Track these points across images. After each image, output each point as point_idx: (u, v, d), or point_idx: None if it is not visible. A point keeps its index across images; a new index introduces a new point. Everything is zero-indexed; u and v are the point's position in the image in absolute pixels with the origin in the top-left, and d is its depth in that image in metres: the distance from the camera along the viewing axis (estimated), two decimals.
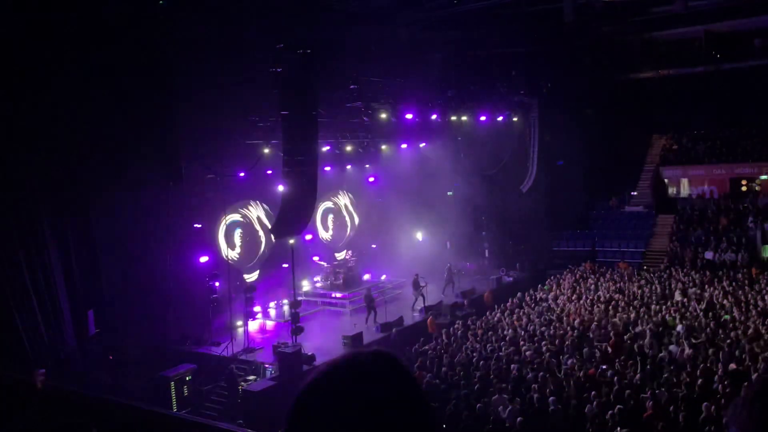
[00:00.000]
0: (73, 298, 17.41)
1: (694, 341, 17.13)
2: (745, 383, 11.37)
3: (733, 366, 14.74)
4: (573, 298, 23.38)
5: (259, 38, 18.37)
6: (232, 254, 23.29)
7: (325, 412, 1.16)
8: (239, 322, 21.32)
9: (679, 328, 18.32)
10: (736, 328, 18.04)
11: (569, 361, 16.32)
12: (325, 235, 28.87)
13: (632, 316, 20.18)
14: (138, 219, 19.27)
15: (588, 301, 22.62)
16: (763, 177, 33.12)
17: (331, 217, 29.36)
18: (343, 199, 30.01)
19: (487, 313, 22.96)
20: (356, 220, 30.44)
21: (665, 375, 14.89)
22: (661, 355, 16.52)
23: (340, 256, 28.41)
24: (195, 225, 21.40)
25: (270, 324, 23.15)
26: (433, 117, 26.64)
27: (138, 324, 19.08)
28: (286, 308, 22.82)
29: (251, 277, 24.09)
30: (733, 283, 23.49)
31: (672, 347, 16.92)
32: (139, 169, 18.31)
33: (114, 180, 18.36)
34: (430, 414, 1.23)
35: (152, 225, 19.66)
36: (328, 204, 29.00)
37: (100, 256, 18.62)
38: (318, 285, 26.90)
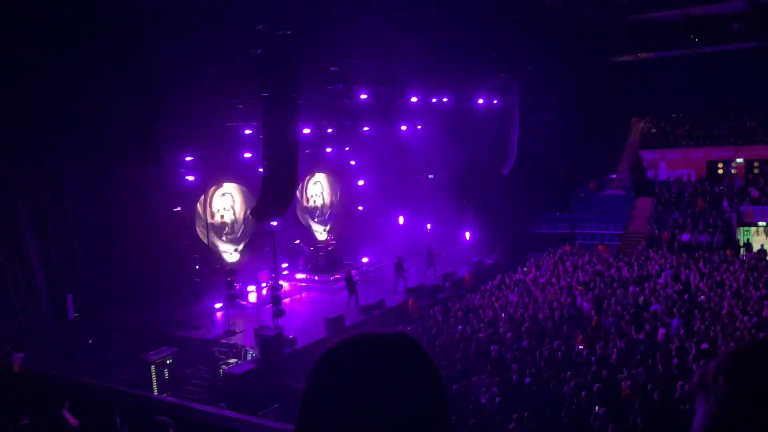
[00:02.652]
0: (51, 281, 17.23)
1: (669, 321, 17.42)
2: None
3: (706, 345, 15.04)
4: (552, 280, 23.61)
5: (240, 19, 18.14)
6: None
7: (339, 394, 1.14)
8: (220, 305, 21.27)
9: (656, 307, 18.60)
10: (711, 308, 18.38)
11: (547, 342, 16.52)
12: (306, 218, 28.82)
13: (610, 297, 20.44)
14: (116, 201, 19.07)
15: (566, 282, 22.87)
16: (739, 160, 33.59)
17: (312, 198, 29.29)
18: (324, 182, 29.93)
19: (468, 295, 23.14)
20: (337, 202, 30.39)
21: (641, 355, 15.13)
22: (637, 335, 16.79)
23: (319, 231, 28.44)
24: (174, 208, 21.23)
25: (251, 307, 23.11)
26: (414, 99, 26.57)
27: (118, 307, 18.97)
28: (266, 291, 22.79)
29: (231, 255, 24.03)
30: (708, 265, 23.86)
31: (648, 327, 17.19)
32: (117, 150, 18.08)
33: (92, 161, 18.13)
34: (445, 398, 1.22)
35: (131, 207, 19.47)
36: (309, 185, 28.92)
37: (76, 239, 18.41)
38: (299, 268, 26.89)
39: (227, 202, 24.29)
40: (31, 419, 4.49)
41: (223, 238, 24.03)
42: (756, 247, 27.63)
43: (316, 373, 1.18)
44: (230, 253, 24.16)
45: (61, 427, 4.45)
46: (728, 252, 26.16)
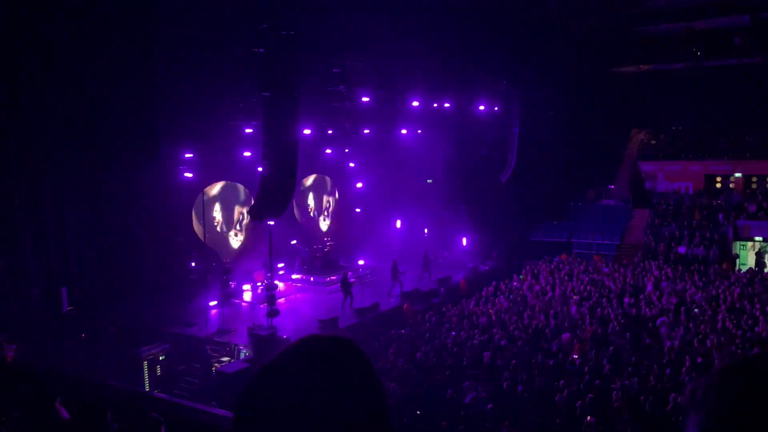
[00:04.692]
0: (45, 274, 17.20)
1: (664, 333, 17.43)
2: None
3: (700, 359, 15.05)
4: (547, 288, 23.61)
5: (243, 18, 18.15)
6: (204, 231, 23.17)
7: (277, 395, 1.13)
8: (214, 303, 21.24)
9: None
10: (705, 321, 18.39)
11: (541, 350, 16.52)
12: (303, 218, 28.82)
13: (605, 307, 20.45)
14: (113, 196, 19.03)
15: (561, 291, 22.87)
16: (737, 174, 33.64)
17: (310, 200, 29.30)
18: (323, 183, 29.95)
19: (463, 300, 23.12)
20: (335, 204, 30.42)
21: (635, 366, 15.13)
22: (630, 345, 16.79)
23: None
24: (171, 204, 21.18)
25: (245, 306, 23.10)
26: (415, 104, 26.59)
27: (112, 302, 18.91)
28: (261, 290, 22.79)
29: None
30: (704, 278, 23.90)
31: (647, 339, 17.21)
32: (116, 145, 18.06)
33: (90, 156, 18.10)
34: (384, 401, 1.20)
35: (128, 203, 19.43)
36: (308, 187, 28.93)
37: (72, 232, 18.36)
38: (295, 268, 26.87)
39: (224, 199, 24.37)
40: (23, 411, 4.49)
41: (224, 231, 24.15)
42: (748, 262, 27.75)
43: (256, 379, 1.17)
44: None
45: (53, 421, 4.44)
46: (725, 266, 26.21)
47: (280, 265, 26.07)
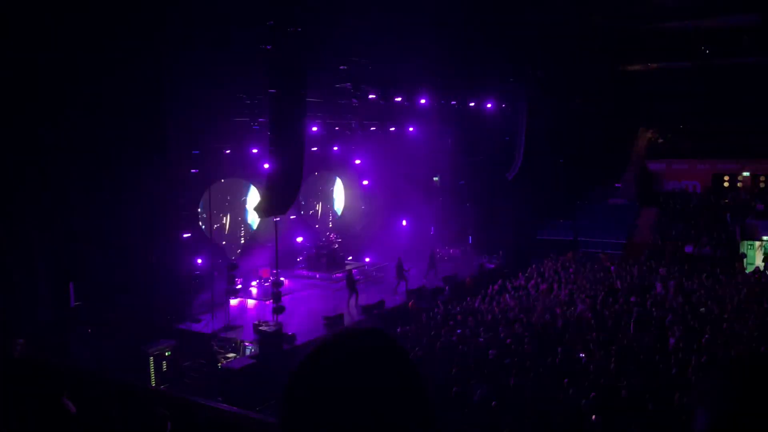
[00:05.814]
0: (53, 269, 17.26)
1: (670, 332, 17.39)
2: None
3: (705, 358, 15.01)
4: (553, 286, 23.58)
5: (250, 14, 18.16)
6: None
7: (319, 392, 1.14)
8: (220, 300, 21.28)
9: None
10: (712, 321, 18.34)
11: (547, 348, 16.50)
12: (308, 214, 28.86)
13: (611, 306, 20.41)
14: (121, 191, 19.08)
15: (568, 290, 22.84)
16: (745, 173, 33.49)
17: (316, 197, 29.35)
18: (329, 181, 29.97)
19: (468, 298, 23.12)
20: (341, 201, 30.44)
21: (640, 364, 15.10)
22: (636, 344, 16.76)
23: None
24: (179, 200, 21.25)
25: (251, 302, 23.16)
26: (422, 101, 26.59)
27: (119, 298, 18.97)
28: (267, 287, 22.82)
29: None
30: (711, 277, 23.82)
31: (649, 337, 17.17)
32: (123, 141, 18.10)
33: (96, 151, 18.14)
34: (425, 393, 1.20)
35: (135, 198, 19.49)
36: (314, 184, 28.96)
37: (79, 227, 18.41)
38: (301, 265, 26.91)
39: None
40: (31, 406, 4.53)
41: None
42: (753, 262, 27.63)
43: (297, 374, 1.19)
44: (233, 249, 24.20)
45: (60, 414, 4.48)
46: (738, 265, 26.13)
47: (286, 262, 26.12)
